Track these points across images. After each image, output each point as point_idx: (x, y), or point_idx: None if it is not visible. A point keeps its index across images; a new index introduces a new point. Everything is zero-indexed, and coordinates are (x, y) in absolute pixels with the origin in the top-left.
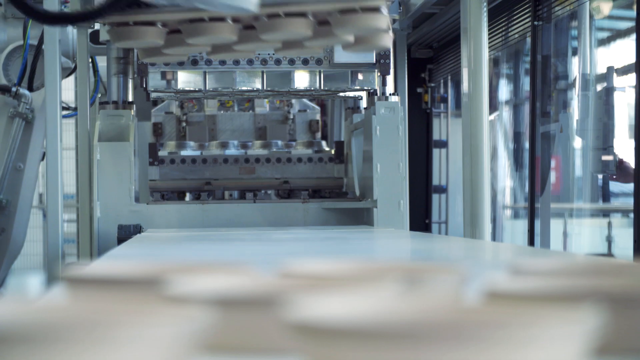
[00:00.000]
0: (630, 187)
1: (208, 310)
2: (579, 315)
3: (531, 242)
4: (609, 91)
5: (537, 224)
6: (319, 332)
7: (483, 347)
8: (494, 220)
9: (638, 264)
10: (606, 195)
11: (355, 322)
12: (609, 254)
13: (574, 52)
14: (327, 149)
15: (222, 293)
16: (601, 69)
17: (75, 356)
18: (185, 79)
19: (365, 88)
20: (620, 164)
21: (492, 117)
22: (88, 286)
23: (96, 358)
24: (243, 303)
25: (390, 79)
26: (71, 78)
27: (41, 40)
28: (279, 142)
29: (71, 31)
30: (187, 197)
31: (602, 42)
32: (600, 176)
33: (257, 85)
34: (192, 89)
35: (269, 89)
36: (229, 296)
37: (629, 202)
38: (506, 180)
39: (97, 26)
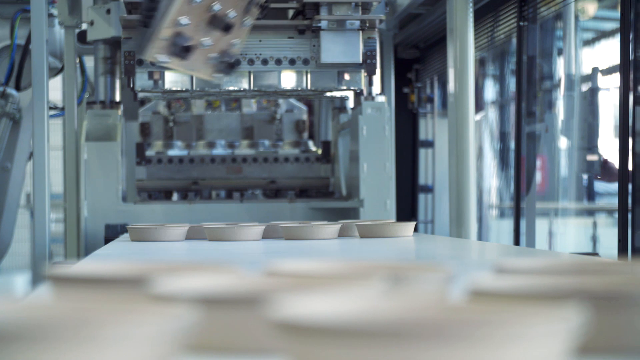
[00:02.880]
0: (614, 186)
1: (193, 309)
2: (562, 314)
3: (516, 241)
4: (594, 91)
5: (523, 223)
6: (303, 331)
7: (466, 345)
8: (479, 219)
9: (621, 262)
10: (591, 195)
11: (340, 321)
12: (594, 254)
13: (560, 53)
14: (314, 148)
15: (207, 292)
16: (586, 70)
17: (61, 355)
18: (173, 79)
19: (352, 88)
20: (604, 164)
21: (478, 117)
22: (74, 285)
23: (81, 357)
24: (228, 302)
25: (376, 79)
26: (58, 78)
27: (28, 40)
28: (266, 142)
29: (59, 31)
30: (175, 196)
31: (588, 43)
32: (585, 176)
33: (244, 85)
34: (179, 89)
35: (255, 89)
36: (213, 295)
37: (614, 202)
38: (492, 179)
39: (84, 26)
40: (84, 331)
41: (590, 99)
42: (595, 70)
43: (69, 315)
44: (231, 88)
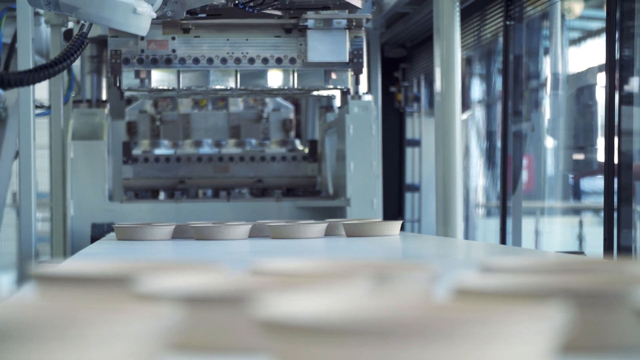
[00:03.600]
0: (600, 185)
1: (178, 308)
2: (546, 312)
3: (503, 240)
4: (580, 91)
5: (509, 222)
6: (287, 330)
7: (450, 344)
8: (466, 218)
9: (607, 261)
10: (577, 194)
11: (324, 320)
12: (580, 252)
13: (546, 52)
14: (300, 147)
15: (192, 291)
16: (573, 69)
17: (46, 354)
18: (159, 78)
19: (339, 87)
20: (591, 162)
21: (464, 116)
22: (58, 284)
23: (66, 356)
24: (213, 301)
25: (363, 78)
26: None
27: (14, 38)
28: (253, 141)
29: (45, 30)
30: (161, 195)
31: (574, 42)
32: (571, 175)
33: (231, 84)
34: (165, 88)
35: (242, 88)
36: (198, 294)
37: (600, 201)
38: (478, 178)
39: (70, 24)
40: (69, 330)
41: (577, 98)
42: (581, 69)
43: (54, 314)
44: (218, 87)
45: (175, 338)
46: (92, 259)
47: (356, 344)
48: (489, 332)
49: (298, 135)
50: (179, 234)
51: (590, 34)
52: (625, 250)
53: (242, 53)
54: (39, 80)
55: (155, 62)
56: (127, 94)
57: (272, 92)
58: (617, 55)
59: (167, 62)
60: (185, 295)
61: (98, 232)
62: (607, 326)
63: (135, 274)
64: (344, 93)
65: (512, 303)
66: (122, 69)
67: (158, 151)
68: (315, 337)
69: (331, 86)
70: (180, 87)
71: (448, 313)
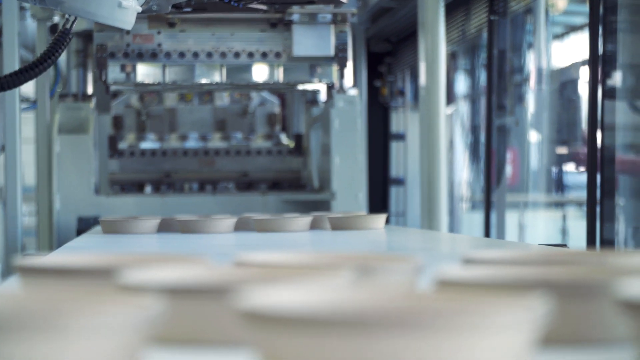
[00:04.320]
0: (584, 179)
1: (161, 300)
2: (527, 303)
3: (487, 233)
4: (564, 85)
5: (493, 215)
6: (269, 321)
7: (431, 334)
8: (450, 212)
9: (588, 252)
10: (561, 188)
11: (306, 311)
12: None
13: (530, 47)
14: (286, 141)
15: (175, 283)
16: (556, 64)
17: (30, 345)
18: (145, 72)
19: (324, 81)
20: (574, 156)
21: (449, 110)
22: (42, 277)
23: (50, 347)
24: (196, 292)
25: (348, 72)
26: None
27: (0, 33)
28: (239, 135)
29: (31, 24)
30: (147, 189)
31: (557, 37)
32: (555, 169)
33: (217, 78)
34: (151, 82)
35: (228, 82)
36: (182, 286)
37: (583, 195)
38: (463, 172)
39: (56, 19)
40: (53, 321)
41: (561, 92)
42: (565, 64)
43: (38, 306)
44: (204, 81)
45: (158, 330)
46: (77, 252)
47: (339, 334)
48: (468, 322)
49: (283, 130)
50: (165, 227)
51: (573, 28)
52: (608, 243)
53: (228, 47)
54: (31, 79)
55: (140, 56)
56: (112, 88)
57: (258, 87)
58: (600, 50)
59: (152, 56)
60: (169, 287)
61: (84, 225)
62: (588, 318)
63: (120, 267)
64: (329, 87)
65: (493, 294)
66: (108, 63)
67: (144, 145)
68: (297, 327)
69: (316, 80)
70: (166, 81)
71: (429, 304)
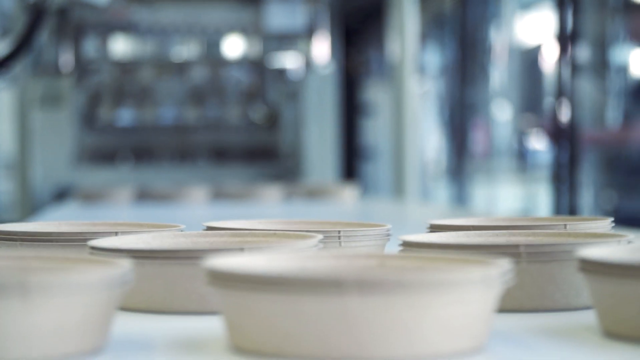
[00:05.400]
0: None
1: (131, 265)
2: (490, 267)
3: (455, 202)
4: (531, 58)
5: (462, 185)
6: (236, 281)
7: (394, 293)
8: (420, 181)
9: (552, 218)
10: (528, 158)
11: (273, 272)
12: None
13: (498, 21)
14: (260, 114)
15: (145, 248)
16: (524, 37)
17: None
18: (120, 47)
19: (297, 56)
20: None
21: (419, 83)
22: (17, 243)
23: (24, 306)
24: (165, 258)
25: (321, 46)
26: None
27: None
28: (213, 109)
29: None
30: (122, 161)
31: (524, 10)
32: (522, 139)
33: (191, 52)
34: (127, 56)
35: (202, 56)
36: (151, 252)
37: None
38: (432, 143)
39: None
40: (25, 282)
41: (529, 63)
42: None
43: (10, 270)
44: (178, 55)
45: (128, 295)
46: (51, 220)
47: (306, 294)
48: (432, 281)
49: (257, 103)
50: (139, 197)
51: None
52: (572, 212)
53: (202, 22)
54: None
55: (116, 31)
56: (88, 62)
57: (232, 61)
58: (569, 24)
59: (127, 31)
60: (139, 253)
61: (60, 195)
62: (551, 281)
63: (92, 233)
64: (302, 61)
65: (457, 258)
66: (84, 38)
67: (119, 118)
68: (272, 290)
69: (289, 55)
70: (141, 55)
71: (397, 265)
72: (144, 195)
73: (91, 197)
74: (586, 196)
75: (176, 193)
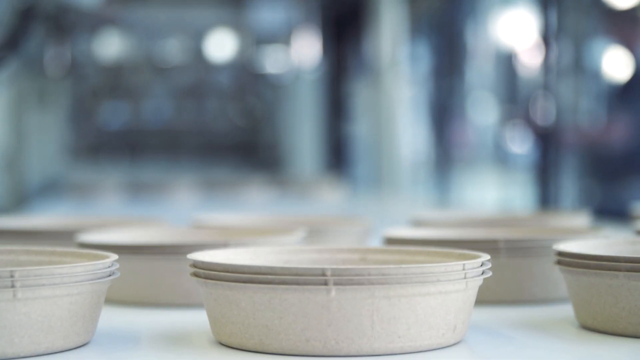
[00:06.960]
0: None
1: (118, 260)
2: (471, 262)
3: (439, 196)
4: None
5: (445, 179)
6: (223, 275)
7: (383, 284)
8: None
9: (533, 214)
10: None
11: (262, 265)
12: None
13: (483, 15)
14: (246, 110)
15: (132, 243)
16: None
17: None
18: (107, 46)
19: (282, 52)
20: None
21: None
22: (5, 237)
23: (7, 298)
24: (151, 253)
25: (306, 43)
26: None
27: None
28: (199, 105)
29: None
30: (113, 157)
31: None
32: (505, 133)
33: (177, 52)
34: (113, 56)
35: (188, 56)
36: (139, 246)
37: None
38: (416, 136)
39: None
40: (11, 278)
41: (511, 58)
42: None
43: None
44: (165, 55)
45: (115, 289)
46: (41, 215)
47: (283, 285)
48: (410, 275)
49: (242, 100)
50: (128, 190)
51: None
52: (555, 208)
53: (188, 22)
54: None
55: (103, 31)
56: (80, 59)
57: (219, 59)
58: (554, 21)
59: (114, 31)
60: (126, 248)
61: (50, 190)
62: (529, 275)
63: (80, 228)
64: (287, 58)
65: (438, 252)
66: (71, 37)
67: (110, 115)
68: (245, 279)
69: (275, 51)
70: (128, 55)
71: (376, 259)
72: (133, 187)
73: (81, 190)
74: (569, 193)
75: (162, 187)
